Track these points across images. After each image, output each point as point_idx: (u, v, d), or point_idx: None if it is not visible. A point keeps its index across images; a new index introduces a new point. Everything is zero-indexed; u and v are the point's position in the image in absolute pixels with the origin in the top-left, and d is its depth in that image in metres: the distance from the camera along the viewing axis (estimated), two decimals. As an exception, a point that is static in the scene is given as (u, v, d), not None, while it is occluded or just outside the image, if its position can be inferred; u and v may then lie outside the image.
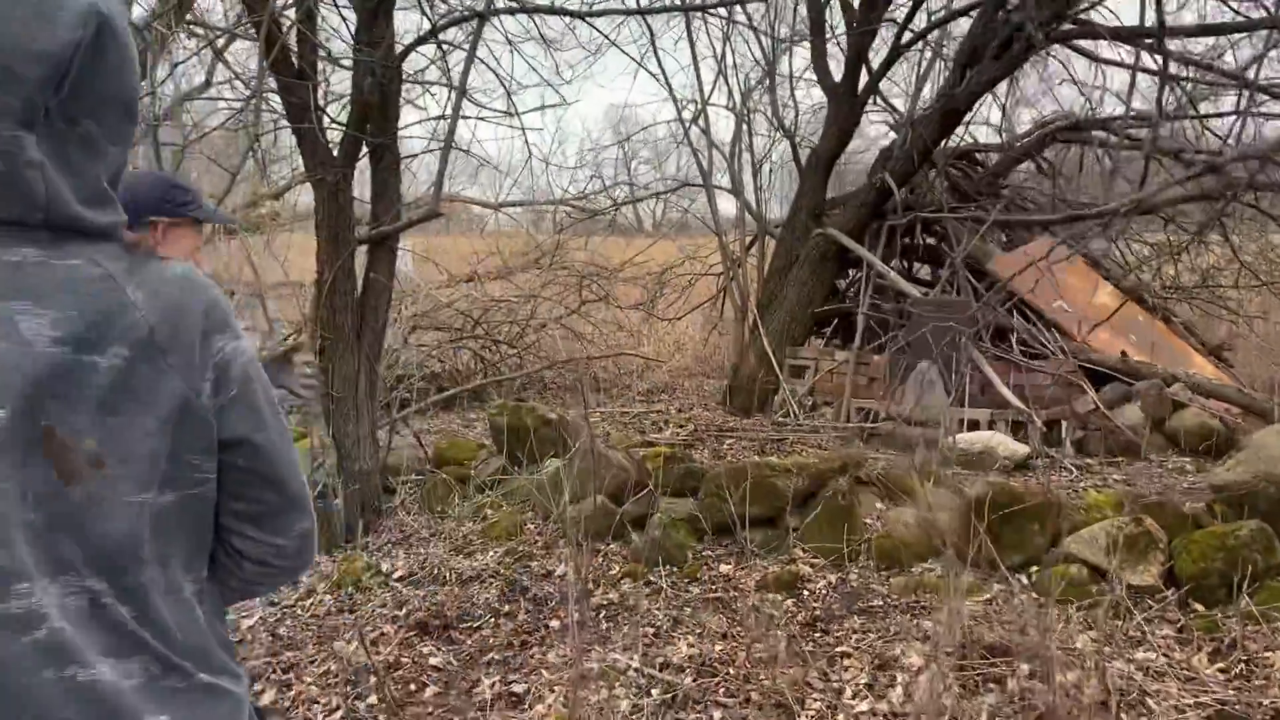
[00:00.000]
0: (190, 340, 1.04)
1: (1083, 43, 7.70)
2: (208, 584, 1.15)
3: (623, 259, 12.16)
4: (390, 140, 5.36)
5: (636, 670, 3.73)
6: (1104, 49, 7.91)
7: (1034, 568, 4.22)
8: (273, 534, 1.16)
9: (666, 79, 7.42)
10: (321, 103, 5.25)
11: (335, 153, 5.17)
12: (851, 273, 7.96)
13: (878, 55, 7.78)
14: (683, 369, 11.40)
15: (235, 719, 1.12)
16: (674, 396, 8.89)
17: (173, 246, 2.35)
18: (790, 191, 9.67)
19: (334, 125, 5.25)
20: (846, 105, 7.40)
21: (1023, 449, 5.85)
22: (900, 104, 8.85)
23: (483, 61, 5.74)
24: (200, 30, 6.38)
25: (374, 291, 5.38)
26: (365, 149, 5.35)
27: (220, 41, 6.92)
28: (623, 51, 6.69)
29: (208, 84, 8.23)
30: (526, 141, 6.78)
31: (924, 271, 8.60)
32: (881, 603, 4.15)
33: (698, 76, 7.88)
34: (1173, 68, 7.05)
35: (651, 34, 7.25)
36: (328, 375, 5.27)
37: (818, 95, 10.46)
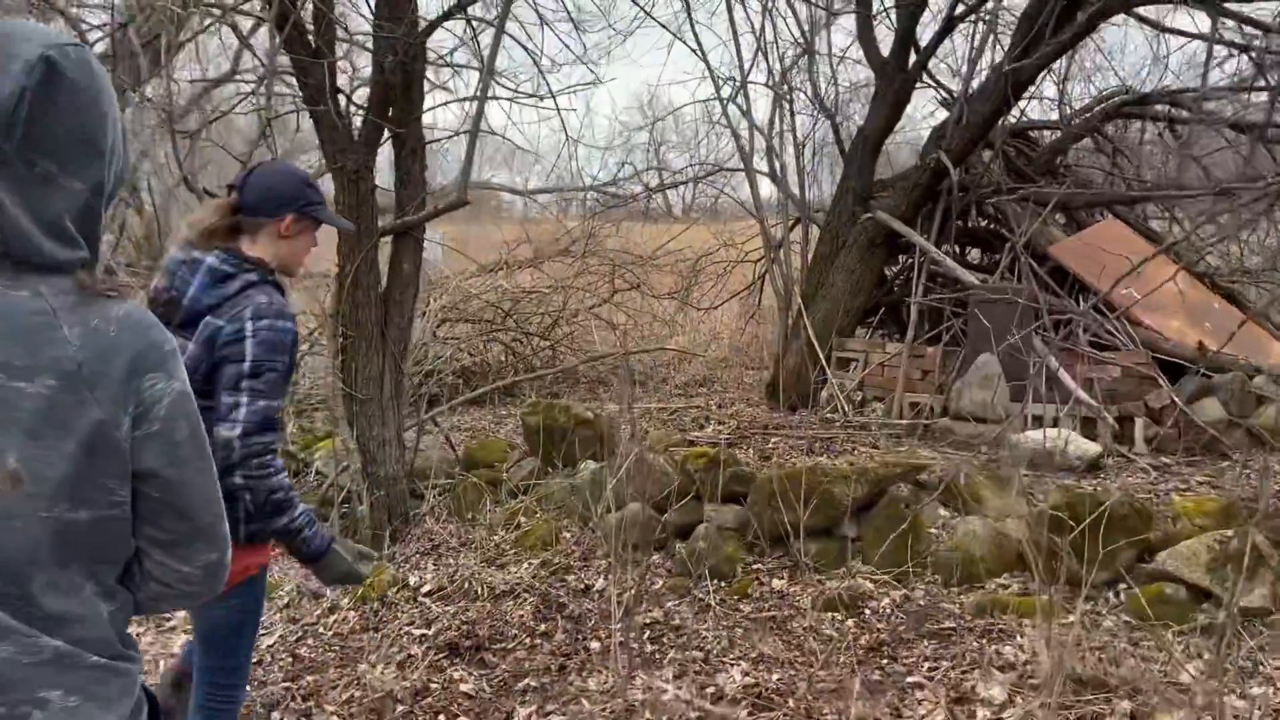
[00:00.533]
0: (118, 377, 1.12)
1: (1145, 11, 7.23)
2: (120, 588, 1.23)
3: (654, 245, 11.78)
4: (414, 124, 5.03)
5: (687, 702, 3.39)
6: (1167, 16, 7.43)
7: (1123, 586, 3.82)
8: (179, 561, 1.24)
9: (703, 53, 7.01)
10: (343, 86, 4.93)
11: (355, 138, 4.85)
12: (901, 259, 7.55)
13: (925, 29, 7.35)
14: (720, 360, 11.02)
15: (126, 694, 1.20)
16: (713, 390, 8.53)
17: (296, 240, 2.36)
18: (830, 175, 9.25)
19: (354, 109, 4.92)
20: (896, 82, 6.97)
21: (1094, 448, 5.43)
22: (947, 80, 8.41)
23: (512, 37, 5.39)
24: (216, 10, 6.08)
25: (399, 285, 5.06)
26: (388, 134, 5.03)
27: (246, 27, 6.62)
28: (657, 23, 6.24)
29: (234, 72, 7.92)
30: (564, 125, 6.40)
31: (973, 255, 8.16)
32: (954, 624, 3.78)
33: (737, 51, 7.42)
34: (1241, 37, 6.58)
35: (688, 4, 6.84)
36: (351, 375, 4.96)
37: (858, 73, 10.04)
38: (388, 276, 5.07)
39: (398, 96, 4.95)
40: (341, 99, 4.71)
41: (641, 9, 5.70)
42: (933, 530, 4.46)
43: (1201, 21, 7.15)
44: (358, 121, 4.91)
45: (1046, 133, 8.09)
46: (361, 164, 4.77)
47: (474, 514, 5.18)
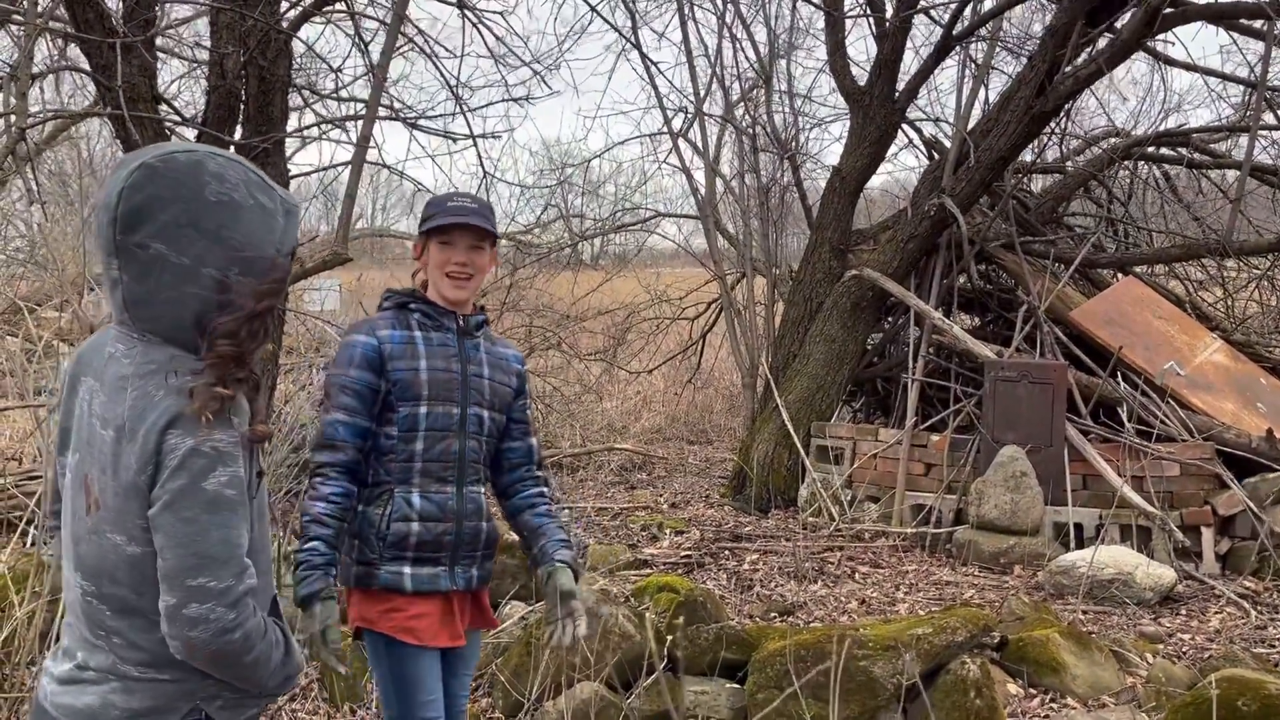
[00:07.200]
0: (147, 433, 1.32)
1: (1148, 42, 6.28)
2: None
3: (575, 295, 10.46)
4: (274, 150, 3.61)
5: None
6: (1171, 48, 6.53)
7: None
8: (162, 593, 1.34)
9: (652, 79, 5.92)
10: (163, 87, 3.49)
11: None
12: (886, 325, 6.38)
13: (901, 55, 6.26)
14: (653, 431, 9.72)
15: (172, 705, 1.37)
16: (655, 476, 7.19)
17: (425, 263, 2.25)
18: (793, 221, 8.08)
19: (182, 123, 3.49)
20: (880, 114, 5.83)
21: (1168, 574, 4.28)
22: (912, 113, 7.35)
23: (412, 41, 4.05)
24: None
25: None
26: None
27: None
28: (609, 24, 5.08)
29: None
30: (480, 158, 5.10)
31: (961, 320, 7.05)
32: None
33: (691, 76, 6.23)
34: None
35: (634, 19, 5.60)
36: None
37: (814, 108, 8.99)
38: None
39: (252, 108, 3.54)
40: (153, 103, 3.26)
41: (591, 7, 4.39)
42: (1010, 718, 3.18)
43: (1200, 51, 6.25)
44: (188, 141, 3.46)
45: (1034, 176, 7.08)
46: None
47: (356, 690, 3.69)
